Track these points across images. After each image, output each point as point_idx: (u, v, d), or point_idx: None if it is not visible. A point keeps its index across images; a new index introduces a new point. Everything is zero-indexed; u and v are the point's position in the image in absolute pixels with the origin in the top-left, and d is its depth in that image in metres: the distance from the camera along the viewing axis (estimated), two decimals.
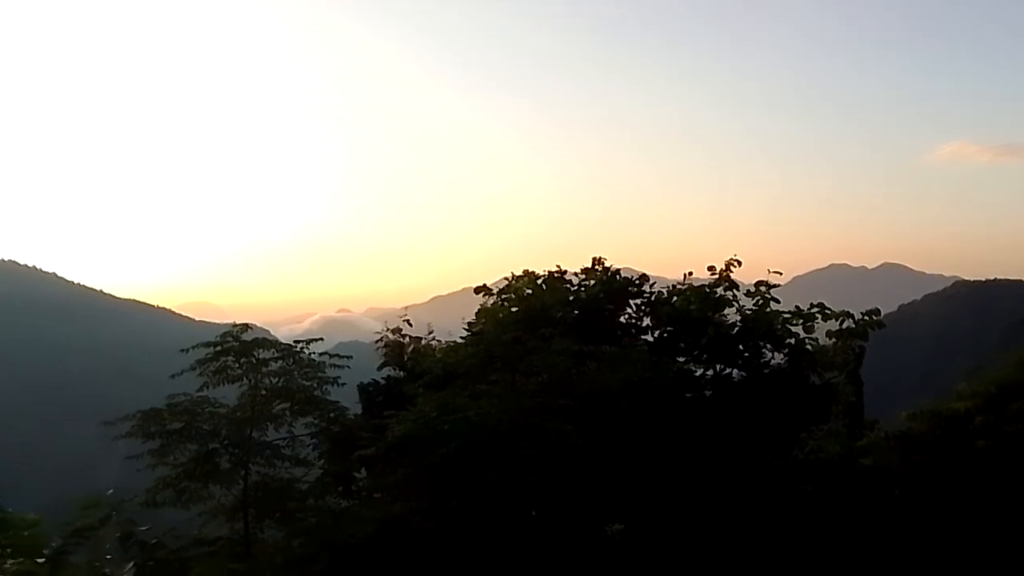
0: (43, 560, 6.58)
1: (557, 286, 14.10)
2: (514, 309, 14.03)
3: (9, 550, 6.47)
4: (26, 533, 6.75)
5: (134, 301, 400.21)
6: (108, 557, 7.64)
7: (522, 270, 14.45)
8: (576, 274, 14.31)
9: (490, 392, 10.75)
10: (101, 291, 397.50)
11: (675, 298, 13.78)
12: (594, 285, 14.02)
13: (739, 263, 13.62)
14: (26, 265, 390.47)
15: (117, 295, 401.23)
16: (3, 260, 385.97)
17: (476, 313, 14.44)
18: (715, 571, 10.68)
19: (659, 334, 13.82)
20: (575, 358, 11.38)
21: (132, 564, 8.00)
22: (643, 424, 11.43)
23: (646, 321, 14.05)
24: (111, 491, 8.79)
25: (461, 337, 13.52)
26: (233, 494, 10.28)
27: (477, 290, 14.82)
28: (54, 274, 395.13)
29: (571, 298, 13.97)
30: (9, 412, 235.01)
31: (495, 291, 14.53)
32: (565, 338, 11.60)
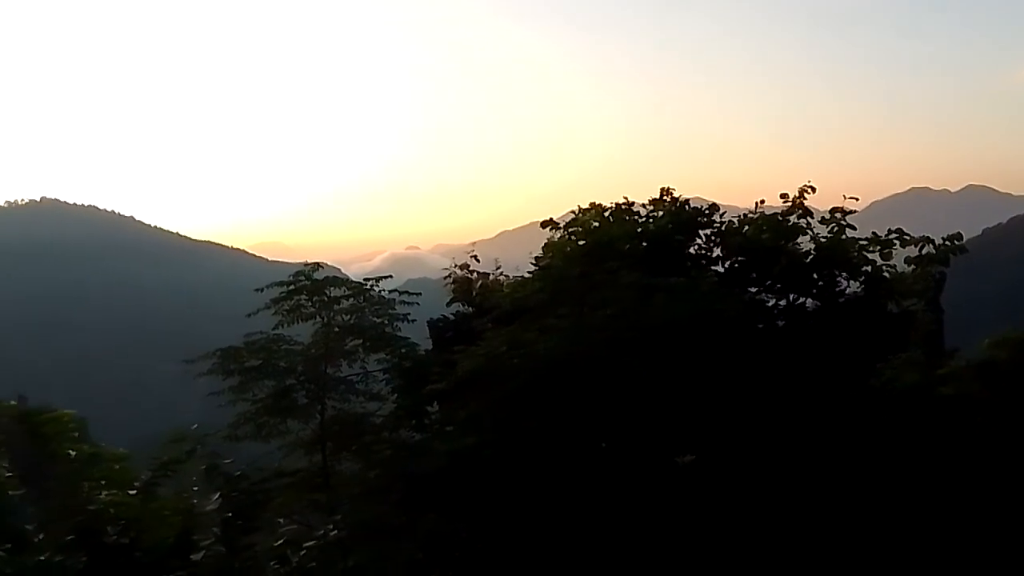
0: (134, 492, 6.88)
1: (624, 218, 13.89)
2: (581, 243, 13.89)
3: (103, 482, 6.80)
4: (117, 467, 7.07)
5: (209, 243, 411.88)
6: (194, 488, 7.96)
7: (589, 203, 14.27)
8: (644, 206, 14.07)
9: (558, 327, 10.76)
10: (177, 234, 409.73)
11: (746, 227, 13.46)
12: (662, 216, 13.78)
13: (813, 190, 13.22)
14: (106, 210, 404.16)
15: (193, 237, 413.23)
16: (84, 206, 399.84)
17: (543, 247, 14.36)
18: (789, 500, 10.63)
19: (729, 265, 13.57)
20: (643, 291, 11.27)
21: (217, 495, 8.33)
22: (713, 355, 11.32)
23: (716, 252, 13.77)
24: (195, 426, 9.13)
25: (528, 272, 13.50)
26: (310, 428, 10.61)
27: (543, 224, 14.72)
28: (132, 218, 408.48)
29: (639, 230, 13.76)
30: (97, 352, 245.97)
31: (561, 225, 14.41)
32: (633, 271, 11.48)
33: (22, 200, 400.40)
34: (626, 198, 14.22)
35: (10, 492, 5.82)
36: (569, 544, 10.07)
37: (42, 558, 5.71)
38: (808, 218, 13.24)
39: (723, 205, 14.38)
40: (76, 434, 6.90)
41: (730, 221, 13.77)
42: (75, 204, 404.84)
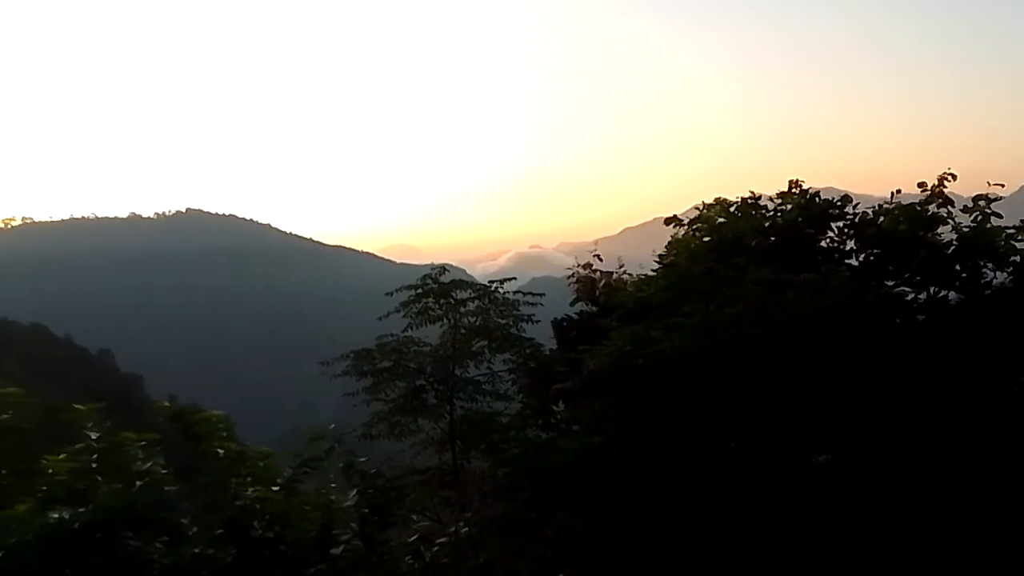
0: (277, 488, 7.18)
1: (751, 212, 13.56)
2: (706, 239, 13.66)
3: (249, 479, 7.11)
4: (262, 464, 7.38)
5: (341, 247, 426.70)
6: (333, 485, 8.25)
7: (713, 198, 14.01)
8: (771, 199, 13.69)
9: (683, 325, 10.63)
10: (311, 239, 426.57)
11: (882, 218, 12.90)
12: (791, 209, 13.37)
13: (953, 177, 12.54)
14: (244, 218, 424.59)
15: (325, 242, 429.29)
16: (225, 215, 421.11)
17: (667, 245, 14.19)
18: (929, 505, 10.14)
19: (864, 258, 13.03)
20: (771, 287, 10.99)
21: (355, 492, 8.61)
22: (848, 352, 10.91)
23: (849, 245, 13.25)
24: (332, 425, 9.47)
25: (652, 270, 13.38)
26: (440, 427, 10.88)
27: (667, 221, 14.53)
28: (269, 225, 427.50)
29: (766, 224, 13.40)
30: (240, 353, 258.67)
31: (686, 221, 14.20)
32: (761, 267, 11.20)
33: (169, 211, 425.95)
34: (752, 192, 13.89)
35: (167, 488, 6.18)
36: (698, 543, 9.94)
37: (196, 550, 6.05)
38: (949, 207, 12.58)
39: (856, 195, 13.84)
40: (224, 433, 7.26)
41: (864, 212, 13.24)
42: (216, 214, 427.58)
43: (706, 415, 10.15)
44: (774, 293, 11.07)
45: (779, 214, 13.48)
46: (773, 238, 13.17)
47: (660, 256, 14.03)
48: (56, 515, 5.40)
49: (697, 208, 14.08)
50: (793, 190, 13.53)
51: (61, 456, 5.98)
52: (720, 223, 13.60)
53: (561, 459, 10.43)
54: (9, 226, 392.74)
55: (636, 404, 10.55)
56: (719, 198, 13.92)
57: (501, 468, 11.02)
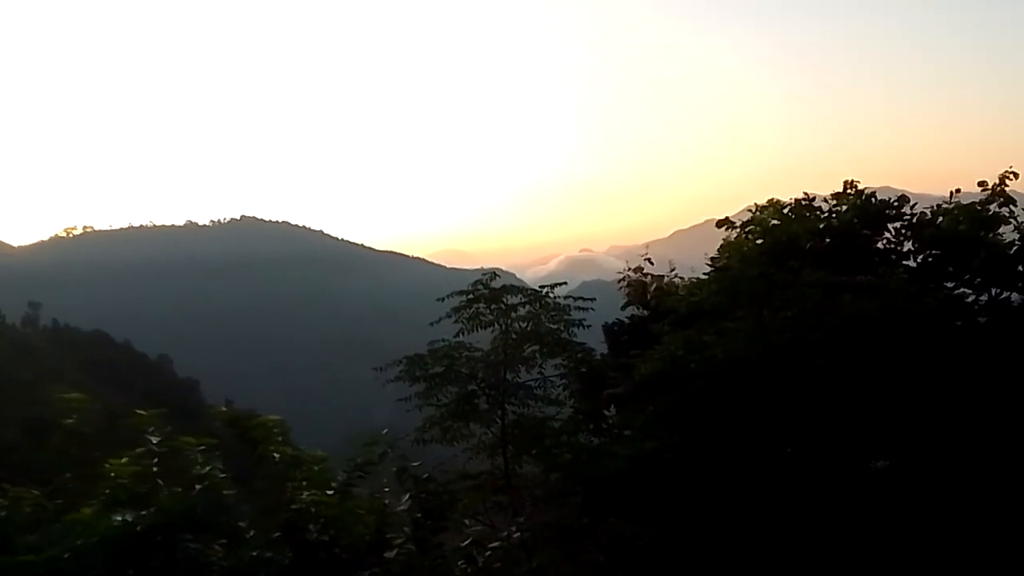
0: (332, 492, 7.28)
1: (805, 214, 13.34)
2: (759, 241, 13.48)
3: (304, 483, 7.23)
4: (317, 468, 7.50)
5: (392, 253, 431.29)
6: (386, 489, 8.34)
7: (766, 199, 13.81)
8: (825, 200, 13.46)
9: (737, 329, 10.51)
10: (362, 245, 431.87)
11: (941, 218, 12.60)
12: (846, 211, 13.13)
13: (1015, 175, 12.21)
14: (297, 225, 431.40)
15: (377, 248, 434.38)
16: (278, 222, 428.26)
17: (719, 248, 14.04)
18: (995, 514, 9.87)
19: (922, 259, 12.74)
20: (827, 290, 10.81)
21: (407, 496, 8.69)
22: (907, 356, 10.68)
23: (907, 246, 12.96)
24: (385, 430, 9.57)
25: (704, 273, 13.25)
26: (492, 432, 10.91)
27: (719, 224, 14.37)
28: (321, 232, 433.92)
29: (821, 226, 13.18)
30: (294, 358, 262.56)
31: (738, 224, 14.02)
32: (815, 270, 11.03)
33: (224, 219, 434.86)
34: (806, 193, 13.67)
35: (226, 491, 6.31)
36: (753, 551, 9.81)
37: (254, 553, 6.16)
38: (1011, 206, 12.24)
39: (914, 195, 13.54)
40: (280, 438, 7.40)
41: (922, 213, 12.94)
42: (270, 221, 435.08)
43: (761, 420, 10.02)
44: (829, 296, 10.88)
45: (834, 215, 13.24)
46: (828, 240, 12.95)
47: (712, 259, 13.87)
48: (119, 518, 5.55)
49: (749, 210, 13.90)
50: (848, 191, 13.28)
51: (123, 460, 6.15)
52: (773, 225, 13.39)
53: (613, 465, 10.38)
54: (71, 235, 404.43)
55: (689, 409, 10.46)
56: (772, 200, 13.72)
57: (553, 473, 11.01)
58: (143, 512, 5.69)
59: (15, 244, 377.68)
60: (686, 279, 13.67)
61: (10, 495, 5.74)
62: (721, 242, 14.12)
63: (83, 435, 6.59)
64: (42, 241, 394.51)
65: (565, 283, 12.41)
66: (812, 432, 10.28)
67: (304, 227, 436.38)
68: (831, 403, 10.14)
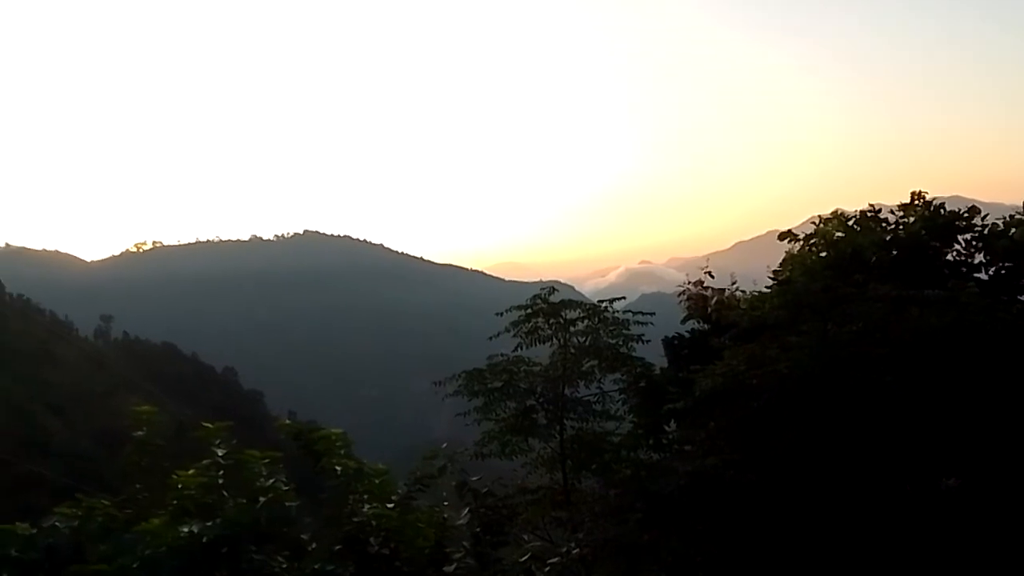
0: (392, 505, 7.34)
1: (870, 226, 13.05)
2: (823, 254, 13.23)
3: (365, 496, 7.30)
4: (378, 481, 7.57)
5: (450, 265, 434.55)
6: (445, 503, 8.38)
7: (830, 210, 13.56)
8: (892, 211, 13.15)
9: (800, 344, 10.31)
10: (421, 258, 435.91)
11: (1013, 229, 12.21)
12: (914, 222, 12.80)
13: None
14: (358, 239, 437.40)
15: (436, 261, 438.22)
16: (340, 236, 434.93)
17: (782, 261, 13.81)
18: None
19: (995, 271, 12.35)
20: (894, 304, 10.54)
21: (467, 510, 8.73)
22: (979, 371, 10.34)
23: (978, 258, 12.58)
24: (445, 444, 9.64)
25: (767, 286, 13.04)
26: (551, 447, 10.89)
27: (781, 236, 14.14)
28: (381, 245, 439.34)
29: (887, 238, 12.87)
30: (356, 369, 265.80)
31: (801, 236, 13.78)
32: (882, 283, 10.77)
33: (287, 233, 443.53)
34: (872, 204, 13.39)
35: (289, 504, 6.41)
36: (818, 571, 9.58)
37: (316, 566, 6.24)
38: None
39: (985, 205, 13.15)
40: (343, 451, 7.49)
41: (994, 223, 12.56)
42: (332, 235, 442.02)
43: (826, 437, 9.81)
44: (897, 311, 10.61)
45: (901, 227, 12.93)
46: (895, 252, 12.64)
47: (774, 272, 13.65)
48: (186, 529, 5.68)
49: (813, 222, 13.65)
50: (916, 201, 12.96)
51: (191, 471, 6.30)
52: (838, 237, 13.13)
53: (674, 481, 10.26)
54: (141, 250, 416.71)
55: (751, 425, 10.29)
56: (836, 211, 13.46)
57: (613, 489, 10.92)
58: (209, 523, 5.81)
59: (88, 259, 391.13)
60: (748, 292, 13.48)
61: (84, 504, 5.91)
62: (784, 255, 13.89)
63: (153, 446, 6.77)
64: (114, 256, 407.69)
65: (624, 297, 12.34)
66: (880, 449, 10.01)
67: (365, 241, 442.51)
68: (899, 420, 9.87)
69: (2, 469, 71.72)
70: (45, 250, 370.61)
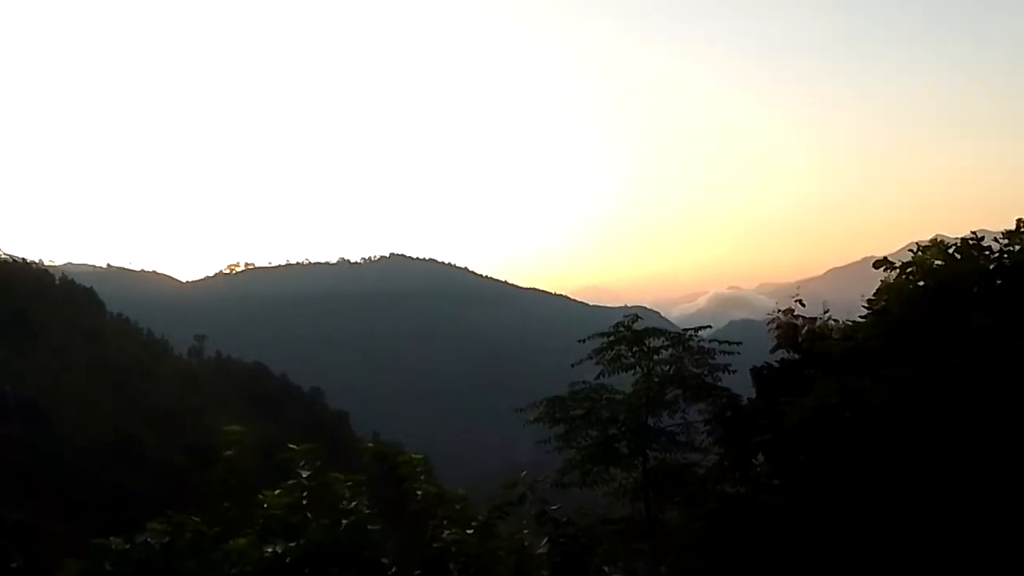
0: (472, 531, 7.32)
1: (972, 254, 12.49)
2: (920, 283, 12.72)
3: (445, 521, 7.31)
4: (458, 507, 7.57)
5: (535, 289, 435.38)
6: (525, 531, 8.34)
7: (930, 237, 13.03)
8: (996, 239, 12.56)
9: (896, 377, 9.92)
10: (505, 282, 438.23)
11: None
12: (1020, 250, 12.21)
13: None
14: (443, 262, 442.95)
15: (520, 285, 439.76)
16: (425, 259, 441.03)
17: (877, 289, 13.34)
18: None
19: None
20: (997, 337, 10.05)
21: (547, 539, 8.65)
22: None
23: None
24: (524, 472, 9.59)
25: (860, 316, 12.61)
26: (633, 477, 10.72)
27: (877, 264, 13.65)
28: (466, 269, 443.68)
29: (991, 267, 12.31)
30: (439, 390, 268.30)
31: (897, 264, 13.29)
32: (984, 314, 10.30)
33: (374, 256, 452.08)
34: (974, 231, 12.82)
35: (371, 526, 6.45)
36: None
37: None
38: None
39: None
40: (423, 476, 7.52)
41: None
42: (418, 258, 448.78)
43: (923, 473, 9.38)
44: (1000, 344, 10.12)
45: (1006, 255, 12.33)
46: (999, 282, 12.06)
47: (869, 301, 13.19)
48: (271, 549, 5.77)
49: (911, 249, 13.16)
50: (1022, 228, 12.36)
51: (277, 491, 6.40)
52: (937, 266, 12.61)
53: (761, 515, 9.98)
54: (234, 271, 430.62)
55: (843, 460, 9.93)
56: (936, 238, 12.93)
57: (697, 522, 10.68)
58: (293, 544, 5.89)
59: (184, 279, 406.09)
60: (841, 321, 13.06)
61: (174, 520, 6.06)
62: (879, 283, 13.43)
63: (242, 466, 6.92)
64: (208, 277, 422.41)
65: (710, 326, 12.13)
66: (981, 486, 9.53)
67: (450, 264, 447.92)
68: (1003, 457, 9.38)
69: (98, 482, 74.78)
70: (143, 270, 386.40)
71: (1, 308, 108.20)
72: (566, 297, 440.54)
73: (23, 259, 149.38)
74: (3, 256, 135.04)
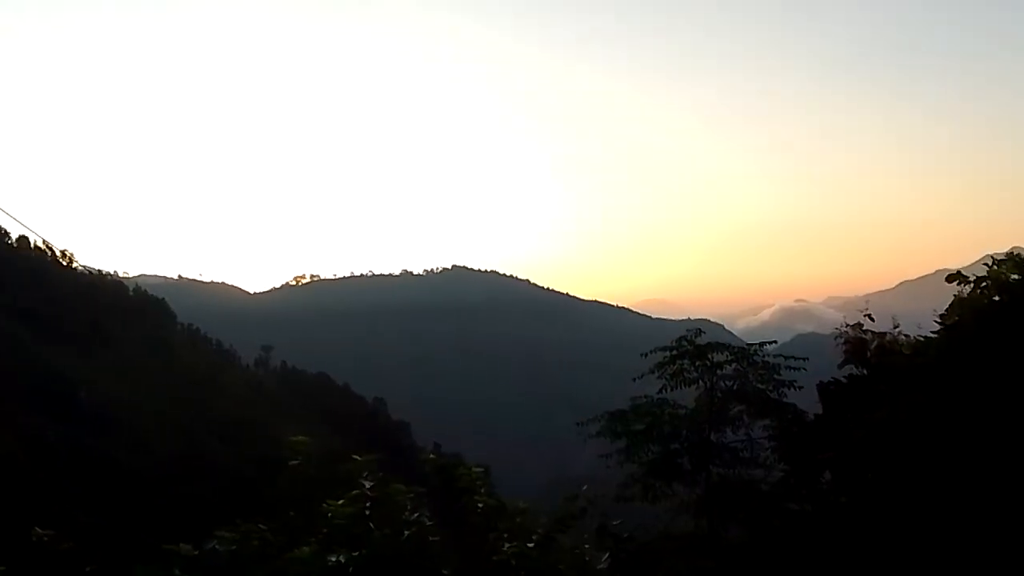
0: (532, 544, 7.30)
1: None
2: (996, 298, 12.31)
3: (505, 534, 7.31)
4: (518, 520, 7.57)
5: (596, 302, 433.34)
6: (587, 546, 8.28)
7: (1006, 250, 12.61)
8: None
9: (969, 395, 9.62)
10: (567, 294, 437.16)
11: None
12: None
13: None
14: (505, 274, 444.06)
15: (581, 297, 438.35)
16: (486, 271, 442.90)
17: (950, 305, 12.96)
18: None
19: None
20: None
21: (607, 554, 8.58)
22: None
23: None
24: (585, 487, 9.55)
25: (932, 331, 12.26)
26: (696, 493, 10.58)
27: (950, 278, 13.23)
28: (527, 281, 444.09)
29: None
30: (499, 403, 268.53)
31: (972, 278, 12.88)
32: None
33: (436, 268, 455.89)
34: None
35: (432, 538, 6.49)
36: None
37: None
38: None
39: None
40: (483, 488, 7.54)
41: None
42: (479, 270, 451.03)
43: (997, 498, 9.06)
44: None
45: None
46: None
47: (941, 316, 12.81)
48: (334, 558, 5.85)
49: (986, 263, 12.75)
50: None
51: (341, 501, 6.49)
52: (1013, 280, 12.21)
53: (828, 534, 9.76)
54: (299, 283, 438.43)
55: (913, 480, 9.66)
56: (1013, 251, 12.51)
57: (762, 539, 10.49)
58: (355, 553, 5.97)
59: (251, 291, 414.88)
60: (912, 337, 12.71)
61: (241, 529, 6.18)
62: (953, 297, 13.03)
63: (306, 475, 7.03)
64: (275, 288, 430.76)
65: (775, 341, 11.93)
66: None
67: (511, 276, 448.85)
68: None
69: (167, 490, 76.64)
70: (213, 282, 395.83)
71: (79, 318, 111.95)
72: (628, 310, 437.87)
73: (100, 271, 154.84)
74: (81, 268, 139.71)
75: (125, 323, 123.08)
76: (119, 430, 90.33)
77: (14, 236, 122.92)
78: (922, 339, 12.14)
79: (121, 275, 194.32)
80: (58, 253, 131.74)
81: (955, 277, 13.14)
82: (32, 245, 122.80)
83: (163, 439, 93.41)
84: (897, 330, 13.10)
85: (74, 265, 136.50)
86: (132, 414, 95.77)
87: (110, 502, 67.50)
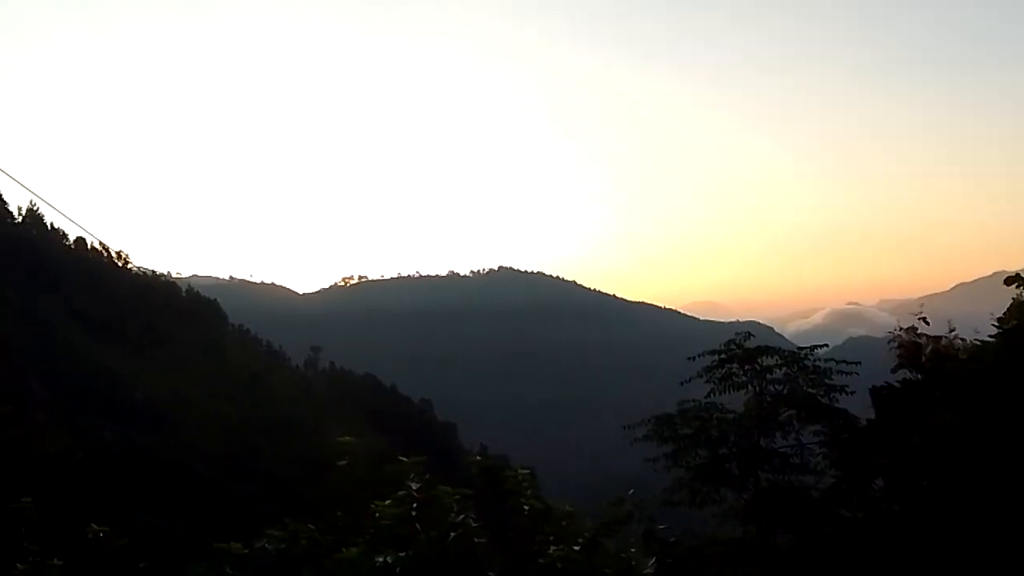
0: (578, 548, 7.27)
1: None
2: None
3: (551, 537, 7.28)
4: (565, 523, 7.53)
5: (644, 303, 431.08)
6: (632, 550, 8.22)
7: None
8: None
9: None
10: (614, 296, 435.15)
11: None
12: None
13: None
14: (551, 276, 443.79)
15: (628, 299, 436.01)
16: (533, 272, 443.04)
17: (1008, 308, 12.62)
18: None
19: None
20: None
21: (653, 559, 8.50)
22: None
23: None
24: (632, 491, 9.48)
25: (990, 335, 11.96)
26: (744, 498, 10.46)
27: (1008, 280, 12.90)
28: (574, 282, 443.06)
29: None
30: (546, 403, 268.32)
31: None
32: None
33: (483, 269, 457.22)
34: None
35: (477, 540, 6.50)
36: None
37: None
38: None
39: None
40: (530, 491, 7.51)
41: None
42: (526, 271, 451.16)
43: None
44: None
45: None
46: None
47: (999, 320, 12.48)
48: (380, 559, 5.88)
49: None
50: None
51: (387, 502, 6.53)
52: None
53: (879, 542, 9.58)
54: (348, 284, 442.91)
55: (970, 488, 9.42)
56: None
57: (812, 546, 10.33)
58: (402, 554, 6.00)
59: (300, 292, 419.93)
60: (968, 341, 12.40)
61: (290, 528, 6.26)
62: (1011, 301, 12.69)
63: (354, 476, 7.09)
64: (323, 289, 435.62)
65: (826, 345, 11.72)
66: None
67: (558, 277, 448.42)
68: None
69: (218, 489, 77.95)
70: (263, 283, 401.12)
71: (133, 318, 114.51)
72: (676, 312, 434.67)
73: (153, 272, 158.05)
74: (136, 269, 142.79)
75: (179, 324, 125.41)
76: (173, 430, 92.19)
77: (72, 238, 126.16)
78: (979, 343, 11.85)
79: (174, 276, 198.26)
80: (114, 254, 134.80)
81: (1014, 279, 12.80)
82: (89, 247, 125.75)
83: (215, 439, 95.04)
84: (953, 334, 12.79)
85: (129, 266, 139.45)
86: (185, 414, 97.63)
87: (163, 501, 68.82)
